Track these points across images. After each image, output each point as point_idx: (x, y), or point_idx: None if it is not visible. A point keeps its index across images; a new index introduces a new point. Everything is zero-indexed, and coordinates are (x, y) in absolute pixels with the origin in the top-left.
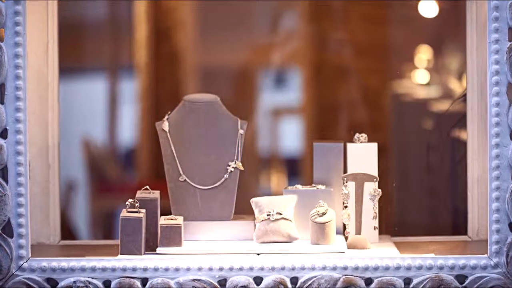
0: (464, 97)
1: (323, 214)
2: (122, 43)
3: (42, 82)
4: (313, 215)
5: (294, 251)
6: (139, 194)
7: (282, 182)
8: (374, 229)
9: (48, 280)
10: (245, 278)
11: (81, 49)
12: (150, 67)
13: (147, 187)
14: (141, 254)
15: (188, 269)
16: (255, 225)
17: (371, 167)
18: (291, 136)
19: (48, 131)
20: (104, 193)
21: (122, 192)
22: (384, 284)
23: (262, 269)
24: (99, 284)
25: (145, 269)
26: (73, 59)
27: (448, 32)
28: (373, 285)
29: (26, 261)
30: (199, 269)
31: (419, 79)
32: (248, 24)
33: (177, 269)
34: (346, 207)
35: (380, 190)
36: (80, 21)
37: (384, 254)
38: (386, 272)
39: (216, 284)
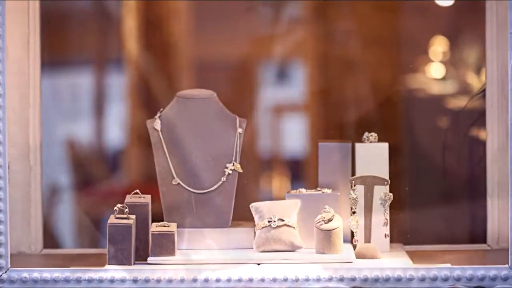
0: (483, 93)
1: (329, 220)
2: (110, 34)
3: (23, 77)
4: (318, 222)
5: (297, 261)
6: (129, 198)
7: (285, 185)
8: (385, 236)
9: None
10: None
11: (65, 41)
12: (141, 60)
13: (137, 191)
14: (130, 264)
15: (182, 281)
16: (255, 233)
17: (382, 169)
18: (294, 136)
19: (29, 130)
20: (91, 197)
21: (110, 197)
22: None
23: (262, 280)
24: None
25: (135, 281)
26: (56, 52)
27: (465, 22)
28: None
29: (6, 272)
30: (194, 280)
31: (434, 73)
32: (247, 13)
33: (170, 281)
34: (354, 212)
35: (391, 194)
36: (63, 10)
37: (396, 264)
38: (398, 283)
39: None
